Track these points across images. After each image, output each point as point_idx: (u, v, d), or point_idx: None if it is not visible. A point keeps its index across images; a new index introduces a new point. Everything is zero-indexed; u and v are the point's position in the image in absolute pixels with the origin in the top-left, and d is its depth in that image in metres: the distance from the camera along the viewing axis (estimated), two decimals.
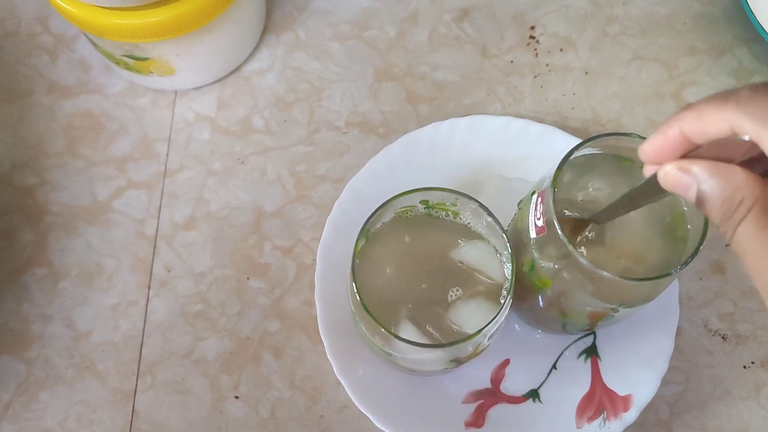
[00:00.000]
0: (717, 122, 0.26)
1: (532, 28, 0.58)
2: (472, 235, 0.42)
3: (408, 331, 0.40)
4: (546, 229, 0.38)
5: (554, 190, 0.38)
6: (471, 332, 0.38)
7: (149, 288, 0.52)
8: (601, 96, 0.57)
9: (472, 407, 0.48)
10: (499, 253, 0.41)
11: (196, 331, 0.51)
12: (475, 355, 0.41)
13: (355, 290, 0.38)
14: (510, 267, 0.38)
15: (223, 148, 0.55)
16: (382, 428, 0.46)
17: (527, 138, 0.53)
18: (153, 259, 0.52)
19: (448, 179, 0.52)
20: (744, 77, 0.57)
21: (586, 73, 0.57)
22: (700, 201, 0.28)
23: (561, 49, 0.58)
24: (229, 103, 0.56)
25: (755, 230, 0.26)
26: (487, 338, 0.38)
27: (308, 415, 0.49)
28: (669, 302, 0.49)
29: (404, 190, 0.39)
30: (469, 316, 0.39)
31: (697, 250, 0.37)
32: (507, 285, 0.37)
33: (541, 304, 0.44)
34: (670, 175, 0.28)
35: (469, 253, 0.42)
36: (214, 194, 0.54)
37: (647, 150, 0.30)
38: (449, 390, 0.49)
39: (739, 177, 0.27)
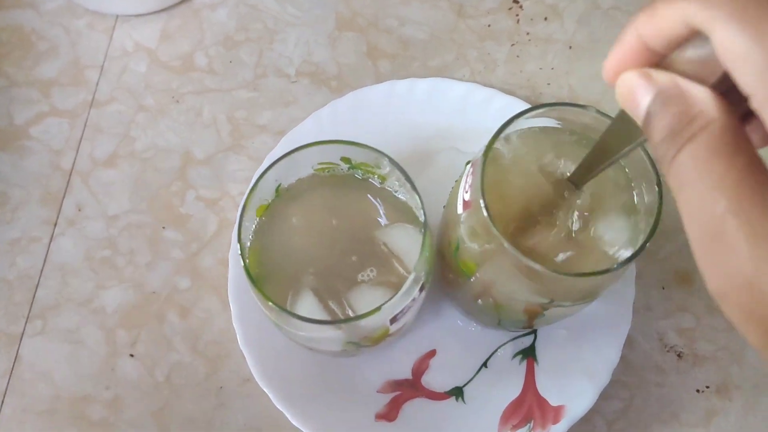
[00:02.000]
0: (670, 16, 0.21)
1: None
2: (399, 209, 0.37)
3: (308, 303, 0.36)
4: (472, 204, 0.33)
5: (485, 159, 0.32)
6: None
7: (55, 225, 0.47)
8: (582, 74, 0.51)
9: (386, 398, 0.43)
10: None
11: (99, 278, 0.46)
12: (378, 340, 0.36)
13: (239, 249, 0.33)
14: (422, 242, 0.33)
15: (159, 83, 0.50)
16: (281, 409, 0.42)
17: (491, 110, 0.48)
18: (65, 195, 0.48)
19: (397, 145, 0.47)
20: None
21: (570, 47, 0.51)
22: (647, 117, 0.22)
23: (545, 18, 0.52)
24: (173, 36, 0.51)
25: (705, 157, 0.20)
26: (390, 322, 0.33)
27: (207, 384, 0.44)
28: (621, 308, 0.44)
29: (321, 140, 0.34)
30: (372, 301, 0.34)
31: (641, 248, 0.32)
32: (415, 265, 0.32)
33: (471, 292, 0.39)
34: (625, 82, 0.23)
35: (395, 237, 0.37)
36: (142, 132, 0.49)
37: (608, 67, 0.25)
38: (365, 376, 0.44)
39: (700, 91, 0.21)
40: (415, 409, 0.43)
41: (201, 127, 0.49)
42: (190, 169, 0.48)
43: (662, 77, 0.22)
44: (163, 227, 0.47)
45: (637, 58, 0.23)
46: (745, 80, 0.20)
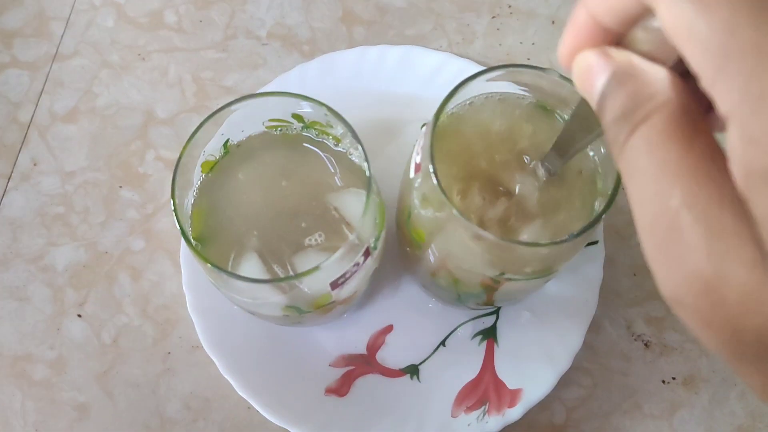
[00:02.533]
0: None
1: None
2: (354, 173, 0.35)
3: (251, 265, 0.34)
4: (421, 168, 0.31)
5: (436, 120, 0.31)
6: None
7: (9, 179, 0.45)
8: None
9: (339, 372, 0.42)
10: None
11: (51, 235, 0.45)
12: (322, 308, 0.34)
13: (173, 205, 0.31)
14: (366, 201, 0.31)
15: (125, 39, 0.48)
16: (228, 378, 0.40)
17: (464, 91, 0.46)
18: (21, 148, 0.46)
19: (365, 114, 0.45)
20: None
21: (553, 22, 0.50)
22: (601, 98, 0.20)
23: None
24: None
25: (657, 141, 0.18)
26: (331, 287, 0.32)
27: (155, 348, 0.43)
28: (587, 292, 0.42)
29: (267, 91, 0.32)
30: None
31: (597, 219, 0.30)
32: (358, 227, 0.30)
33: (426, 264, 0.37)
34: (581, 62, 0.21)
35: (347, 202, 0.35)
36: (105, 89, 0.47)
37: (563, 50, 0.23)
38: (318, 350, 0.42)
39: (656, 70, 0.19)
40: (367, 385, 0.42)
41: (165, 86, 0.47)
42: (151, 129, 0.47)
43: (619, 55, 0.20)
44: (120, 186, 0.45)
45: (592, 39, 0.21)
46: (693, 58, 0.17)
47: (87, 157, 0.46)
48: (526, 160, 0.33)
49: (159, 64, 0.48)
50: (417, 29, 0.49)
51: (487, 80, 0.32)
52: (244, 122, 0.34)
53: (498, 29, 0.49)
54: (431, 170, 0.30)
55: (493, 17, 0.50)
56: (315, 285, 0.31)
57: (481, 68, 0.46)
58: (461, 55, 0.48)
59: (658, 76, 0.19)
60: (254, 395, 0.40)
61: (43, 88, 0.47)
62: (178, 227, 0.31)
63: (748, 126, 0.16)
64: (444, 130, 0.33)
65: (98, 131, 0.47)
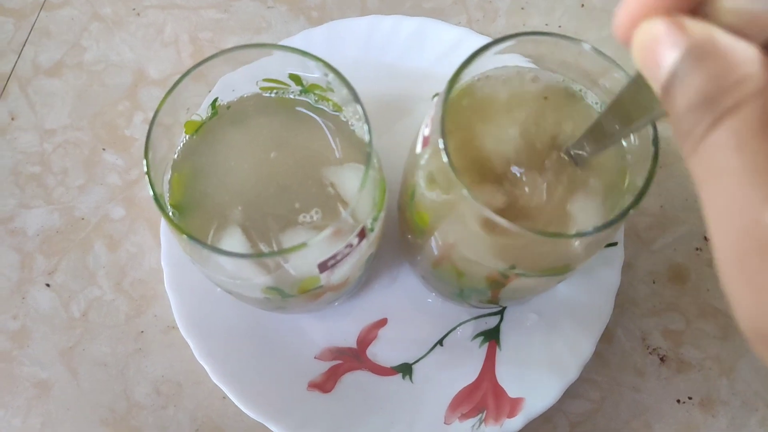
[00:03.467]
0: None
1: None
2: (354, 145, 0.32)
3: (233, 240, 0.30)
4: (430, 142, 0.28)
5: (450, 87, 0.27)
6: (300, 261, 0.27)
7: None
8: (592, 36, 0.45)
9: (324, 366, 0.38)
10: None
11: (24, 196, 0.41)
12: (309, 292, 0.30)
13: (146, 165, 0.27)
14: (364, 174, 0.27)
15: None
16: (202, 362, 0.37)
17: (483, 60, 0.42)
18: None
19: (374, 88, 0.41)
20: None
21: (582, 5, 0.46)
22: (670, 78, 0.16)
23: None
24: None
25: (749, 137, 0.14)
26: (319, 269, 0.28)
27: (127, 326, 0.39)
28: (601, 298, 0.38)
29: (260, 42, 0.29)
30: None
31: (625, 212, 0.26)
32: (354, 203, 0.27)
33: (429, 253, 0.33)
34: (647, 32, 0.17)
35: (346, 178, 0.32)
36: (94, 43, 0.44)
37: (622, 15, 0.18)
38: (305, 339, 0.39)
39: (746, 49, 0.16)
40: (355, 382, 0.38)
41: (160, 45, 0.44)
42: (141, 89, 0.43)
43: (698, 28, 0.16)
44: (103, 149, 0.42)
45: (662, 3, 0.18)
46: None
47: (69, 115, 0.42)
48: (548, 144, 0.30)
49: (154, 21, 0.44)
50: (435, 2, 0.45)
51: (507, 50, 0.29)
52: (236, 81, 0.31)
53: (522, 8, 0.46)
54: (441, 146, 0.26)
55: None
56: (301, 265, 0.27)
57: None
58: (480, 32, 0.44)
59: (748, 55, 0.16)
60: (230, 384, 0.36)
61: (27, 38, 0.44)
62: (151, 190, 0.27)
63: None
64: (458, 102, 0.30)
65: (84, 88, 0.43)
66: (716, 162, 0.15)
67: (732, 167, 0.15)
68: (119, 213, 0.41)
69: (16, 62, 0.43)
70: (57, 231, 0.40)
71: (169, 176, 0.31)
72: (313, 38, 0.42)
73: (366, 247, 0.30)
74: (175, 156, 0.31)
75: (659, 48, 0.17)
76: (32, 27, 0.44)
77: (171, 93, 0.28)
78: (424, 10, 0.45)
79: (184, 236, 0.27)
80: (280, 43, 0.41)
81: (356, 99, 0.27)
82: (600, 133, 0.26)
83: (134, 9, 0.45)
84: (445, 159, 0.26)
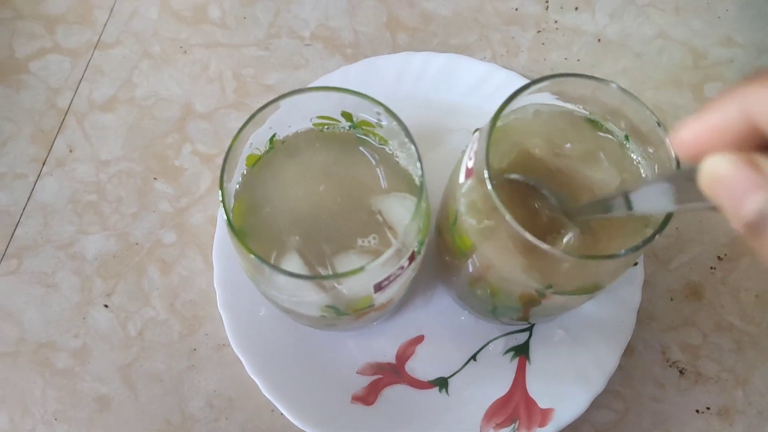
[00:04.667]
0: None
1: None
2: (400, 176, 0.35)
3: (292, 264, 0.33)
4: (474, 173, 0.31)
5: (493, 124, 0.30)
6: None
7: (44, 164, 0.45)
8: (608, 69, 0.48)
9: (366, 380, 0.41)
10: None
11: (82, 223, 0.44)
12: (360, 311, 0.33)
13: (221, 196, 0.30)
14: (416, 204, 0.30)
15: (168, 31, 0.48)
16: (254, 377, 0.39)
17: (509, 93, 0.45)
18: (57, 134, 0.46)
19: (407, 120, 0.44)
20: None
21: (599, 40, 0.49)
22: (761, 220, 0.17)
23: (576, 8, 0.50)
24: None
25: None
26: (374, 290, 0.31)
27: (180, 344, 0.42)
28: (624, 313, 0.41)
29: (319, 85, 0.32)
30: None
31: (651, 237, 0.29)
32: (405, 227, 0.30)
33: (466, 274, 0.36)
34: (719, 169, 0.17)
35: (392, 206, 0.34)
36: (144, 79, 0.47)
37: (685, 137, 0.19)
38: (347, 355, 0.41)
39: None
40: (395, 395, 0.41)
41: (205, 80, 0.47)
42: (189, 122, 0.46)
43: None
44: (155, 178, 0.45)
45: (733, 138, 0.18)
46: None
47: (123, 147, 0.46)
48: (576, 172, 0.33)
49: (200, 58, 0.48)
50: (461, 39, 0.49)
51: (542, 90, 0.32)
52: (292, 118, 0.34)
53: (543, 44, 0.49)
54: (486, 175, 0.29)
55: (539, 32, 0.49)
56: (359, 286, 0.30)
57: (527, 81, 0.46)
58: (505, 68, 0.47)
59: None
60: (280, 397, 0.39)
61: (83, 76, 0.47)
62: (225, 217, 0.30)
63: None
64: (498, 136, 0.32)
65: (135, 122, 0.46)
66: None
67: None
68: (171, 238, 0.44)
69: (72, 98, 0.46)
70: (113, 255, 0.43)
71: (231, 204, 0.34)
72: (350, 74, 0.45)
73: (413, 269, 0.33)
74: (237, 186, 0.34)
75: (739, 188, 0.17)
76: (87, 65, 0.47)
77: (241, 132, 0.31)
78: (452, 46, 0.48)
79: (253, 257, 0.30)
80: (320, 78, 0.45)
81: (411, 140, 0.30)
82: (606, 209, 0.29)
83: (181, 47, 0.48)
84: (489, 187, 0.29)
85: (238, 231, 0.34)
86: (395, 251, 0.30)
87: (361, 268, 0.29)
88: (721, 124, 0.18)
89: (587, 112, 0.34)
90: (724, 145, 0.18)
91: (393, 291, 0.33)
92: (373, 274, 0.30)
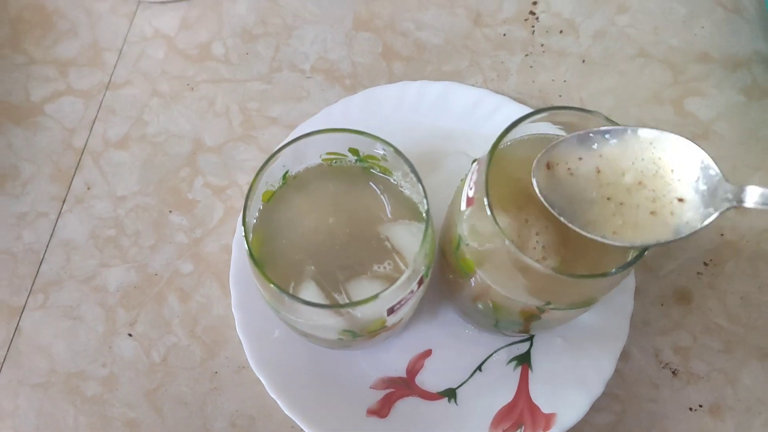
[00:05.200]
0: None
1: (534, 3, 0.53)
2: (404, 205, 0.37)
3: (310, 291, 0.36)
4: (475, 201, 0.33)
5: (490, 157, 0.33)
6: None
7: (64, 202, 0.47)
8: (594, 88, 0.51)
9: (379, 394, 0.44)
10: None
11: (103, 256, 0.46)
12: (374, 332, 0.36)
13: (243, 231, 0.33)
14: (424, 233, 0.33)
15: (175, 70, 0.51)
16: (275, 397, 0.42)
17: (502, 117, 0.48)
18: (75, 172, 0.48)
19: (406, 146, 0.46)
20: (756, 96, 0.51)
21: (583, 61, 0.52)
22: None
23: (561, 31, 0.53)
24: (193, 25, 0.52)
25: None
26: (387, 313, 0.34)
27: (202, 368, 0.44)
28: (618, 321, 0.44)
29: (329, 128, 0.35)
30: (370, 293, 0.34)
31: (640, 255, 0.32)
32: (414, 257, 0.32)
33: (469, 292, 0.39)
34: None
35: (399, 233, 0.37)
36: (155, 117, 0.50)
37: None
38: (360, 371, 0.44)
39: None
40: (407, 407, 0.43)
41: (213, 115, 0.50)
42: (199, 156, 0.49)
43: None
44: (170, 211, 0.47)
45: None
46: None
47: (138, 183, 0.48)
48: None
49: (207, 94, 0.50)
50: (453, 65, 0.51)
51: (535, 121, 0.34)
52: (303, 155, 0.36)
53: (531, 67, 0.52)
54: (486, 203, 0.32)
55: (526, 55, 0.52)
56: (373, 311, 0.33)
57: (517, 104, 0.48)
58: (496, 91, 0.50)
59: None
60: (300, 414, 0.42)
61: (96, 116, 0.49)
62: (248, 252, 0.32)
63: None
64: (496, 165, 0.35)
65: (149, 158, 0.49)
66: None
67: None
68: (188, 268, 0.46)
69: (87, 138, 0.49)
70: (134, 286, 0.46)
71: (250, 238, 0.36)
72: (352, 105, 0.48)
73: (421, 291, 0.36)
74: (255, 221, 0.37)
75: None
76: (100, 105, 0.50)
77: (260, 174, 0.33)
78: (444, 73, 0.51)
79: (273, 287, 0.32)
80: (322, 110, 0.47)
81: (418, 179, 0.33)
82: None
83: (188, 84, 0.50)
84: (489, 213, 0.32)
85: (256, 262, 0.36)
86: (407, 277, 0.32)
87: (376, 296, 0.31)
88: None
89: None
90: None
91: (404, 312, 0.36)
92: (386, 300, 0.32)
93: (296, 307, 0.33)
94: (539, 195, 0.33)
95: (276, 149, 0.33)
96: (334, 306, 0.33)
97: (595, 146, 0.34)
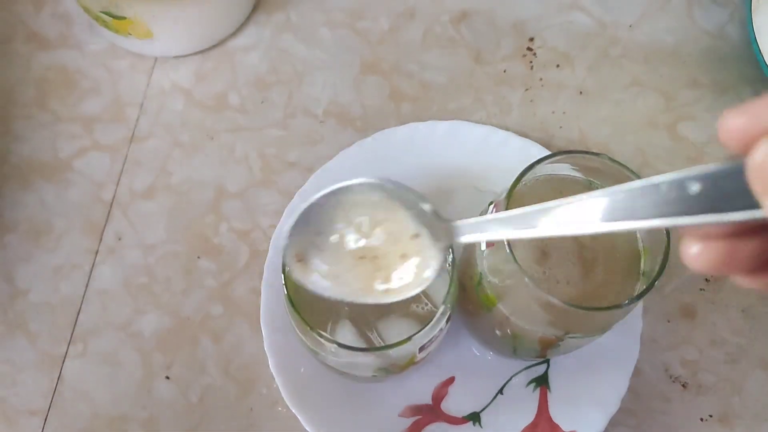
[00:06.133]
0: None
1: (531, 39, 0.56)
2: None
3: (346, 331, 0.38)
4: (495, 243, 0.36)
5: (508, 201, 0.35)
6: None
7: (96, 254, 0.50)
8: (592, 118, 0.54)
9: (408, 422, 0.46)
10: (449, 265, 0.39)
11: (137, 303, 0.49)
12: (404, 367, 0.38)
13: (284, 280, 0.35)
14: (450, 277, 0.36)
15: (194, 121, 0.53)
16: (310, 431, 0.44)
17: (508, 151, 0.51)
18: (105, 224, 0.51)
19: (419, 183, 0.49)
20: None
21: (580, 92, 0.55)
22: None
23: (557, 65, 0.56)
24: (208, 77, 0.55)
25: None
26: (418, 350, 0.36)
27: (238, 406, 0.47)
28: (629, 340, 0.47)
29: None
30: (400, 331, 0.36)
31: (650, 286, 0.34)
32: (444, 298, 0.35)
33: (490, 323, 0.42)
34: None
35: None
36: (178, 167, 0.52)
37: (730, 126, 0.17)
38: (388, 401, 0.46)
39: None
40: None
41: (233, 162, 0.52)
42: (223, 202, 0.51)
43: None
44: (198, 257, 0.50)
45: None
46: None
47: (166, 231, 0.50)
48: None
49: (226, 143, 0.53)
50: (458, 103, 0.54)
51: (548, 163, 0.37)
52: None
53: (531, 101, 0.54)
54: (506, 244, 0.35)
55: (526, 90, 0.55)
56: (407, 350, 0.35)
57: (521, 139, 0.51)
58: (499, 125, 0.53)
59: None
60: None
61: (122, 169, 0.52)
62: (288, 301, 0.35)
63: None
64: (512, 207, 0.38)
65: (174, 206, 0.51)
66: None
67: None
68: (218, 310, 0.49)
69: (115, 190, 0.51)
70: (168, 331, 0.48)
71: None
72: (365, 147, 0.50)
73: (447, 328, 0.38)
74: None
75: None
76: (125, 159, 0.52)
77: (292, 231, 0.36)
78: (450, 110, 0.54)
79: (312, 332, 0.35)
80: (339, 154, 0.50)
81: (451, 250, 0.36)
82: None
83: (207, 134, 0.53)
84: (508, 251, 0.34)
85: (296, 307, 0.39)
86: (438, 317, 0.35)
87: (410, 338, 0.34)
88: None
89: (589, 179, 0.39)
90: None
91: (433, 347, 0.38)
92: (419, 340, 0.35)
93: (335, 350, 0.36)
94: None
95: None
96: (372, 349, 0.36)
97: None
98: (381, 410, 0.46)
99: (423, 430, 0.46)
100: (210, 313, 0.49)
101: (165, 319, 0.49)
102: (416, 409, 0.46)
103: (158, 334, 0.48)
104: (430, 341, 0.36)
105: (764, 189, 0.16)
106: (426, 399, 0.47)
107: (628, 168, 0.36)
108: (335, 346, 0.34)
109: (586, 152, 0.36)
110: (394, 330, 0.38)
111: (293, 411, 0.44)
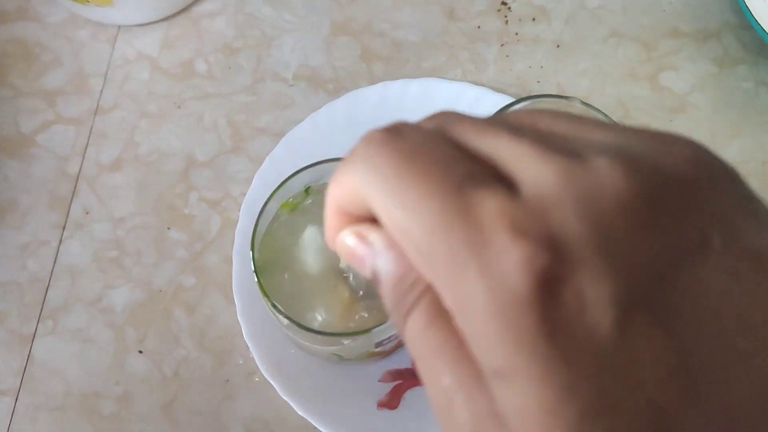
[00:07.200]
0: (348, 186, 0.19)
1: None
2: None
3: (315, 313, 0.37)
4: None
5: None
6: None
7: (64, 229, 0.49)
8: (570, 71, 0.53)
9: (387, 387, 0.45)
10: None
11: (107, 278, 0.48)
12: (361, 359, 0.37)
13: (252, 256, 0.34)
14: None
15: (160, 90, 0.52)
16: (287, 399, 0.43)
17: (483, 108, 0.49)
18: (72, 199, 0.49)
19: None
20: (728, 65, 0.53)
21: (558, 46, 0.53)
22: (375, 280, 0.20)
23: (533, 19, 0.54)
24: (174, 44, 0.53)
25: (424, 325, 0.18)
26: (374, 345, 0.35)
27: (214, 378, 0.46)
28: None
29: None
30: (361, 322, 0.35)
31: None
32: None
33: None
34: (343, 242, 0.20)
35: None
36: (145, 137, 0.51)
37: (328, 234, 0.22)
38: (366, 367, 0.45)
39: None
40: (416, 397, 0.45)
41: (202, 130, 0.51)
42: (192, 172, 0.50)
43: (374, 236, 0.19)
44: (168, 228, 0.49)
45: (349, 221, 0.20)
46: (415, 262, 0.18)
47: (135, 203, 0.49)
48: None
49: (194, 111, 0.51)
50: (432, 61, 0.53)
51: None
52: (325, 172, 0.38)
53: (507, 56, 0.53)
54: None
55: (502, 45, 0.53)
56: (361, 343, 0.34)
57: (497, 94, 0.50)
58: (475, 83, 0.51)
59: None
60: (313, 414, 0.43)
61: (87, 141, 0.50)
62: (256, 278, 0.34)
63: (467, 330, 0.17)
64: None
65: (143, 178, 0.50)
66: (412, 349, 0.18)
67: (418, 351, 0.18)
68: (191, 281, 0.47)
69: (81, 163, 0.50)
70: (140, 304, 0.47)
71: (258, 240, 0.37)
72: (336, 109, 0.49)
73: None
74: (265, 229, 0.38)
75: (357, 257, 0.20)
76: (90, 131, 0.51)
77: (267, 203, 0.34)
78: (424, 69, 0.52)
79: (268, 302, 0.33)
80: (309, 117, 0.49)
81: None
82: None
83: (175, 103, 0.51)
84: None
85: (261, 267, 0.38)
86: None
87: (366, 330, 0.32)
88: (336, 216, 0.20)
89: None
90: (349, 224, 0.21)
91: (389, 347, 0.37)
92: (376, 335, 0.33)
93: (287, 324, 0.34)
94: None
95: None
96: (314, 331, 0.34)
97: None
98: (360, 377, 0.45)
99: (404, 395, 0.45)
100: (182, 285, 0.47)
101: (136, 293, 0.47)
102: (396, 374, 0.45)
103: (130, 308, 0.47)
104: (389, 339, 0.35)
105: (345, 258, 0.21)
106: (406, 363, 0.45)
107: (601, 111, 0.35)
108: (287, 321, 0.33)
109: (555, 95, 0.35)
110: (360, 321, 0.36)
111: (269, 379, 0.43)
